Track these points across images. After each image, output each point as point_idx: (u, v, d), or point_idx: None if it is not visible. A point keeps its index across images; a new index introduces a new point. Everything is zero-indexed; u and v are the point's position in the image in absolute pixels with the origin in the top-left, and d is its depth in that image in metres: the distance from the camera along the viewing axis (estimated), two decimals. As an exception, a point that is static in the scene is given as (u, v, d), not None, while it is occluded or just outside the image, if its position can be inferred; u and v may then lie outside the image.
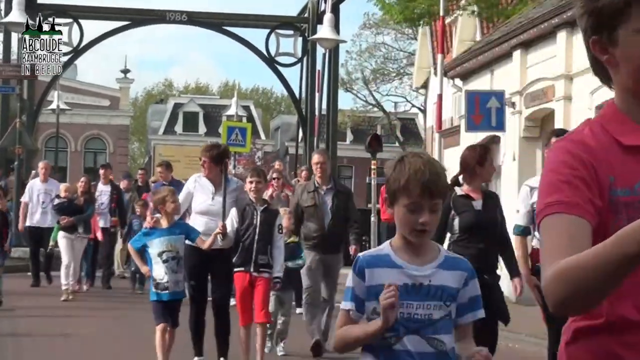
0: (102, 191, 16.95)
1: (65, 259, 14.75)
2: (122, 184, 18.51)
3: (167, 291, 8.40)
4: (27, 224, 16.80)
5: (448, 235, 7.48)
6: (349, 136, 55.91)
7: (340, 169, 44.53)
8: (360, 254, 3.46)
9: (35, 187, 16.87)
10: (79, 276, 15.95)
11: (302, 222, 10.41)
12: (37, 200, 16.69)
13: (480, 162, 7.78)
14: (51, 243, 15.86)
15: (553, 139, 7.80)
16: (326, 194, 10.39)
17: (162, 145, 58.60)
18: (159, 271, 8.42)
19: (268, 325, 9.23)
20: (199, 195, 9.14)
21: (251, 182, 8.81)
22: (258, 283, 8.68)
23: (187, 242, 8.71)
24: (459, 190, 7.62)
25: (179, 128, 60.50)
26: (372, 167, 20.39)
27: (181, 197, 9.08)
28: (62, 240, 14.92)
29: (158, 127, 61.33)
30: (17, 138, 21.97)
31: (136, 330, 11.71)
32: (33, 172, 20.78)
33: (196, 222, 9.03)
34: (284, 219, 9.54)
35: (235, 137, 24.61)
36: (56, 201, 15.36)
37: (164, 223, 8.55)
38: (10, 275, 15.72)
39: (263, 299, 8.76)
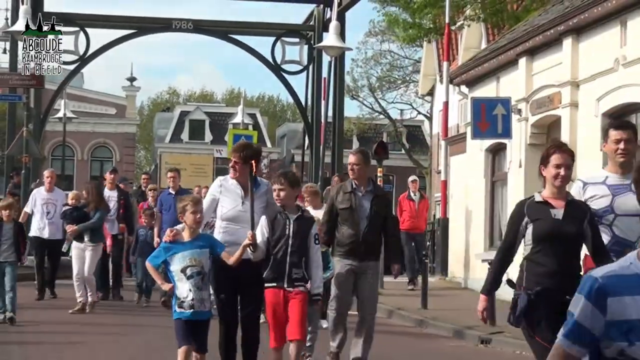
0: (109, 197, 16.07)
1: (74, 269, 14.19)
2: None
3: (192, 310, 7.57)
4: (32, 234, 16.00)
5: (522, 246, 6.53)
6: (355, 143, 55.88)
7: (346, 177, 44.54)
8: (596, 274, 2.58)
9: (39, 196, 16.12)
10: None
11: (336, 226, 9.53)
12: (41, 210, 15.93)
13: (541, 161, 6.58)
14: (70, 253, 15.15)
15: (611, 131, 6.83)
16: (364, 197, 9.50)
17: (169, 154, 58.65)
18: (183, 289, 7.57)
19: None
20: (226, 200, 8.03)
21: (273, 190, 7.89)
22: (293, 297, 7.71)
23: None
24: (537, 196, 6.51)
25: (185, 136, 60.58)
26: (378, 174, 20.38)
27: (205, 203, 8.07)
28: (73, 250, 14.38)
29: (164, 135, 61.43)
30: (24, 146, 22.03)
31: (145, 342, 11.58)
32: (37, 180, 20.79)
33: (223, 230, 8.03)
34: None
35: (241, 145, 24.65)
36: (63, 209, 14.94)
37: (186, 235, 7.69)
38: (18, 283, 15.17)
39: (299, 314, 7.73)
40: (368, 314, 9.62)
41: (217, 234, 8.02)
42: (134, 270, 16.63)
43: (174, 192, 15.04)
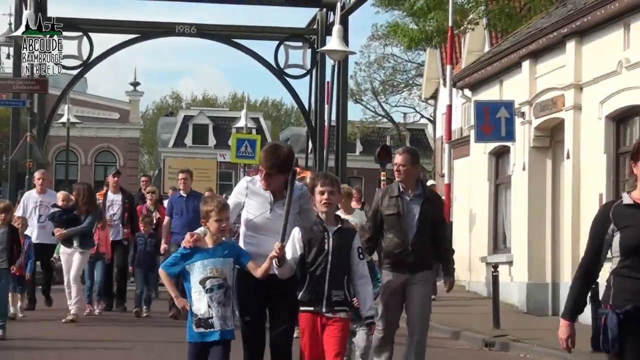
0: (113, 200, 15.27)
1: (65, 276, 13.37)
2: None
3: (211, 329, 6.50)
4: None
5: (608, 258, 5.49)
6: (359, 147, 55.92)
7: (350, 181, 44.79)
8: None
9: (31, 198, 15.01)
10: (91, 297, 14.41)
11: (380, 234, 8.64)
12: (33, 213, 14.79)
13: (633, 157, 5.50)
14: (55, 256, 14.50)
15: None
16: (413, 202, 8.59)
17: (172, 158, 58.73)
18: (201, 304, 6.51)
19: None
20: (253, 205, 6.86)
21: (322, 193, 6.66)
22: (331, 325, 6.55)
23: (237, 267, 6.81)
24: (626, 198, 5.44)
25: (188, 140, 60.66)
26: (382, 177, 20.37)
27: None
28: (62, 256, 13.59)
29: (168, 139, 61.51)
30: (28, 152, 22.05)
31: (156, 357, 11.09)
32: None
33: (247, 240, 6.88)
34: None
35: (244, 149, 24.71)
36: (50, 211, 13.81)
37: (208, 242, 6.64)
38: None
39: (338, 342, 6.55)
40: (418, 330, 8.72)
41: (241, 244, 6.92)
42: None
43: (185, 195, 14.35)
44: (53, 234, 13.75)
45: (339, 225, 6.68)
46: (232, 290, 6.63)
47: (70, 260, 13.34)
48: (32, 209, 14.88)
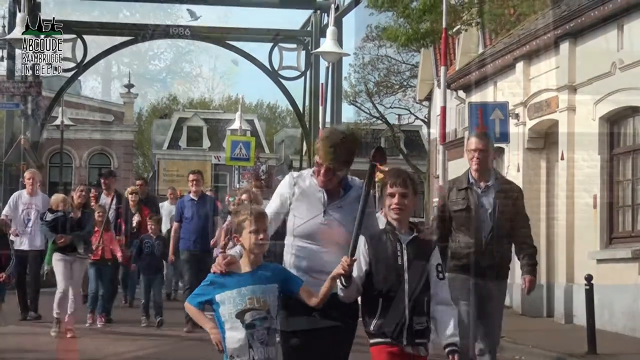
0: (105, 204, 14.13)
1: (60, 284, 11.92)
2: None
3: None
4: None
5: None
6: (353, 149, 55.89)
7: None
8: None
9: (21, 200, 13.87)
10: (95, 306, 13.36)
11: (450, 232, 7.37)
12: (21, 217, 13.73)
13: None
14: (46, 267, 12.97)
15: None
16: (485, 194, 7.37)
17: (167, 160, 58.72)
18: (239, 342, 5.10)
19: None
20: (301, 208, 5.43)
21: (392, 195, 5.31)
22: None
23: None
24: None
25: (183, 142, 60.64)
26: (376, 179, 20.35)
27: (269, 208, 5.49)
28: (57, 263, 12.04)
29: (162, 141, 61.48)
30: (22, 154, 22.04)
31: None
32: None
33: (295, 251, 5.44)
34: None
35: (239, 151, 24.69)
36: (49, 216, 12.23)
37: (244, 264, 5.21)
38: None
39: None
40: (488, 348, 7.44)
41: (287, 257, 5.49)
42: (137, 287, 14.54)
43: (196, 198, 13.19)
44: (54, 242, 12.19)
45: (415, 235, 5.26)
46: (277, 325, 5.20)
47: (69, 268, 12.09)
48: (21, 211, 13.85)
